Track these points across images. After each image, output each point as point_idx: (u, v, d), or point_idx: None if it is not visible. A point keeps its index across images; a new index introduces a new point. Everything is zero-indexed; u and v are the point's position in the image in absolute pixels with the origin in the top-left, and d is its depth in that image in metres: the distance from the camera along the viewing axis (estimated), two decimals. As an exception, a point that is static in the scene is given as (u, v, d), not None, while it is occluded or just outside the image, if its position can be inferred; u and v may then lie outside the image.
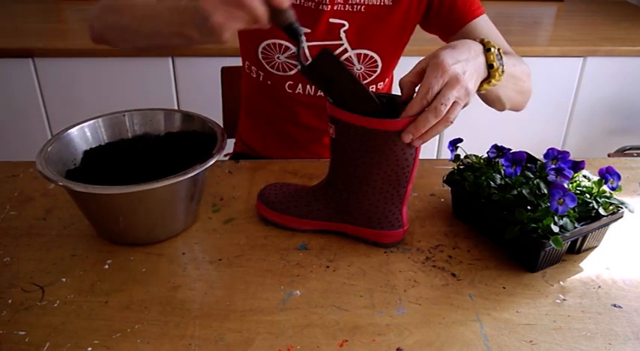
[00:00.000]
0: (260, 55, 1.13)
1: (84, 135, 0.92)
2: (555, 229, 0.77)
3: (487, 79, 0.80)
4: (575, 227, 0.79)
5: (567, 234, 0.78)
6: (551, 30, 2.16)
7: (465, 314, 0.74)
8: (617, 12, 2.37)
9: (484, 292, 0.78)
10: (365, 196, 0.83)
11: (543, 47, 1.96)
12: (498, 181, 0.86)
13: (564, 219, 0.79)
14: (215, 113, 1.22)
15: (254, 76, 1.18)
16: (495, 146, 0.90)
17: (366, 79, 1.14)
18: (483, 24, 1.05)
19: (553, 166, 0.83)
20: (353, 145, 0.79)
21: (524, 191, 0.81)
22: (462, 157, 0.94)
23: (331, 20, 1.06)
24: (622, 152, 2.03)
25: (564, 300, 0.77)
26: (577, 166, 0.84)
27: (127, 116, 0.96)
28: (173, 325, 0.72)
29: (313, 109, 1.18)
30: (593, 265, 0.84)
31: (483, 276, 0.81)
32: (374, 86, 1.16)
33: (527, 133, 2.12)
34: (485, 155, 0.91)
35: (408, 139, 0.73)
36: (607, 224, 0.85)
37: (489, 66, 0.79)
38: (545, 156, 0.85)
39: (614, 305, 0.76)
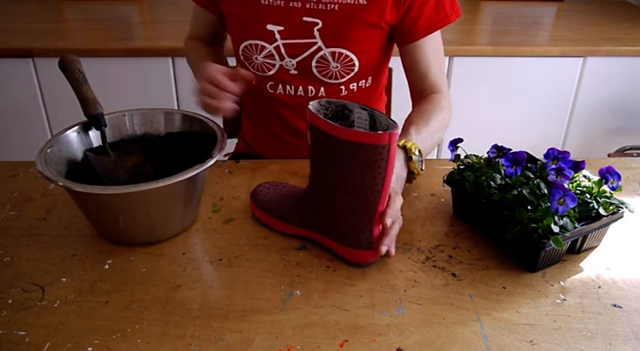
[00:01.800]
0: (241, 56, 1.14)
1: (84, 135, 0.92)
2: (555, 229, 0.77)
3: (410, 180, 0.97)
4: (576, 227, 0.79)
5: (567, 234, 0.78)
6: (551, 30, 2.16)
7: (465, 314, 0.74)
8: (617, 12, 2.37)
9: (484, 292, 0.78)
10: (335, 209, 0.80)
11: (543, 47, 1.96)
12: (499, 181, 0.86)
13: (564, 219, 0.79)
14: (215, 113, 1.22)
15: None
16: (496, 146, 0.90)
17: (344, 77, 1.13)
18: (433, 43, 1.12)
19: (553, 166, 0.83)
20: (324, 154, 0.77)
21: (524, 191, 0.81)
22: (462, 157, 0.94)
23: (305, 19, 1.07)
24: (622, 152, 2.03)
25: (564, 300, 0.77)
26: (577, 166, 0.84)
27: (127, 116, 0.96)
28: (173, 325, 0.72)
29: (295, 109, 1.19)
30: (593, 265, 0.84)
31: (483, 276, 0.81)
32: (355, 84, 1.16)
33: (527, 133, 2.12)
34: (486, 155, 0.91)
35: (384, 249, 0.80)
36: (607, 224, 0.85)
37: (411, 172, 0.94)
38: (546, 156, 0.85)
39: (614, 305, 0.76)
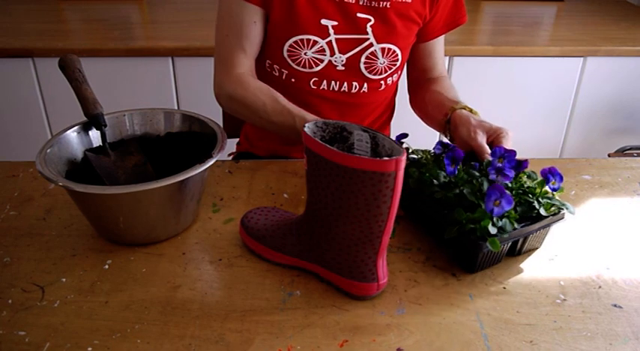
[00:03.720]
0: (285, 53, 1.13)
1: (84, 135, 0.92)
2: (493, 230, 0.76)
3: None
4: (515, 228, 0.78)
5: (506, 236, 0.77)
6: (551, 30, 2.15)
7: (465, 314, 0.74)
8: (617, 12, 2.36)
9: (484, 292, 0.78)
10: (335, 239, 0.75)
11: (543, 47, 1.96)
12: (442, 179, 0.85)
13: (504, 220, 0.78)
14: (215, 113, 1.22)
15: (276, 74, 1.17)
16: (441, 143, 0.89)
17: (387, 72, 1.18)
18: (442, 42, 1.24)
19: (496, 165, 0.82)
20: (323, 181, 0.71)
21: (465, 190, 0.80)
22: (409, 151, 0.92)
23: (359, 15, 1.10)
24: (622, 152, 2.03)
25: (564, 300, 0.77)
26: (520, 165, 0.83)
27: (127, 116, 0.96)
28: (173, 325, 0.72)
29: (336, 105, 1.20)
30: (593, 265, 0.84)
31: (483, 276, 0.81)
32: (390, 78, 1.20)
33: (527, 133, 2.12)
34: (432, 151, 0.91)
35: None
36: (547, 226, 0.83)
37: None
38: (492, 154, 0.84)
39: (614, 305, 0.76)
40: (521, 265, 0.83)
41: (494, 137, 0.94)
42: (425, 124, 1.22)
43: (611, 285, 0.80)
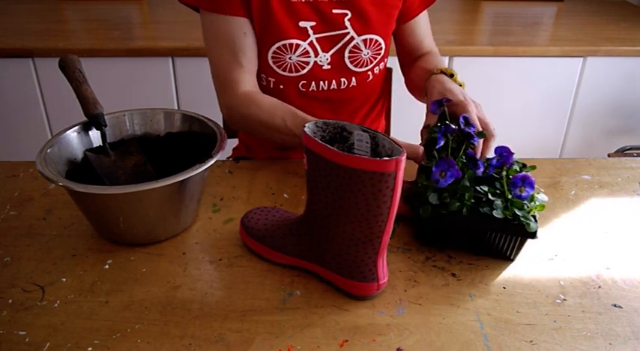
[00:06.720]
0: (270, 60, 1.12)
1: (84, 135, 0.92)
2: (433, 200, 0.79)
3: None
4: (463, 215, 0.79)
5: (444, 212, 0.79)
6: (551, 30, 2.15)
7: (465, 314, 0.74)
8: (617, 12, 2.36)
9: (484, 292, 0.78)
10: (335, 239, 0.75)
11: (543, 47, 1.96)
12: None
13: (453, 200, 0.79)
14: (215, 113, 1.21)
15: (264, 83, 1.17)
16: (465, 118, 0.88)
17: (372, 62, 1.18)
18: (425, 17, 1.24)
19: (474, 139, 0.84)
20: (323, 181, 0.71)
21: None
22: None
23: (334, 11, 1.10)
24: (622, 152, 2.03)
25: (564, 300, 0.77)
26: (506, 161, 0.82)
27: (127, 116, 0.96)
28: (173, 325, 0.72)
29: (328, 103, 1.19)
30: (593, 265, 0.84)
31: (483, 276, 0.81)
32: (377, 68, 1.21)
33: (527, 133, 2.12)
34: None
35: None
36: (512, 234, 0.80)
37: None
38: (495, 151, 0.85)
39: (614, 305, 0.76)
40: (521, 265, 0.83)
41: (459, 108, 0.95)
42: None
43: (611, 285, 0.80)
